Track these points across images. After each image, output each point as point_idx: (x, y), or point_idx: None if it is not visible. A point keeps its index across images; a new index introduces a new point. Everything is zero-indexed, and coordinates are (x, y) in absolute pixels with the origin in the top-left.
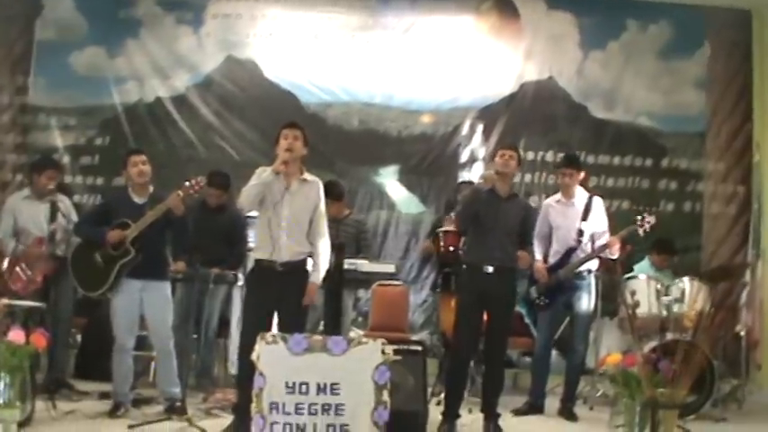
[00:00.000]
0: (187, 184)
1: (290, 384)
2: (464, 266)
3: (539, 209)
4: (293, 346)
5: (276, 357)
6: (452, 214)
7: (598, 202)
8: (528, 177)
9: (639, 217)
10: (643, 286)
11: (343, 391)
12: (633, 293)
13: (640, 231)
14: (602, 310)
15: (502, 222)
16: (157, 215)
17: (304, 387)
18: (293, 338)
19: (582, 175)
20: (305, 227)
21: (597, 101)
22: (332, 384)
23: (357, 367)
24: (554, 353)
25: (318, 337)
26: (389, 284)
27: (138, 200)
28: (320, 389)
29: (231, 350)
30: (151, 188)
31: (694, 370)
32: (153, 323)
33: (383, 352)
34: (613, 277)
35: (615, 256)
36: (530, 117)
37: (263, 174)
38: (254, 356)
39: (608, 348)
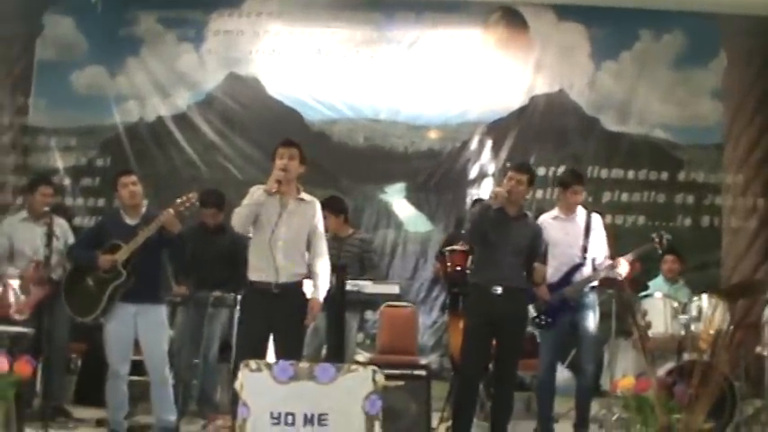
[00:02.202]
0: (179, 200)
1: (276, 415)
2: (472, 287)
3: None
4: (278, 373)
5: (260, 386)
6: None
7: (597, 220)
8: (540, 193)
9: (655, 234)
10: (659, 305)
11: (332, 422)
12: (645, 314)
13: (658, 250)
14: (617, 330)
15: (511, 242)
16: (149, 234)
17: (290, 418)
18: (278, 366)
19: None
20: (302, 248)
21: (610, 113)
22: (320, 415)
23: (346, 397)
24: (569, 375)
25: (305, 365)
26: (398, 306)
27: (130, 221)
28: (307, 420)
29: None
30: (144, 208)
31: (712, 393)
32: (147, 348)
33: (374, 380)
34: (625, 296)
35: (622, 276)
36: (540, 131)
37: (256, 193)
38: (236, 385)
39: (624, 370)
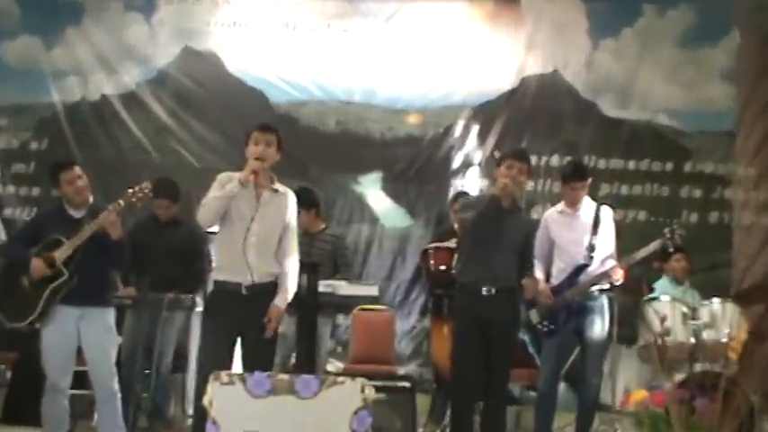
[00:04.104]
0: (130, 191)
1: None
2: (459, 288)
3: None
4: (254, 387)
5: (233, 402)
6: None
7: (607, 213)
8: (530, 185)
9: (668, 229)
10: (667, 309)
11: None
12: (664, 319)
13: (670, 246)
14: (619, 336)
15: (506, 238)
16: (95, 229)
17: None
18: (253, 378)
19: (589, 181)
20: (275, 244)
21: (609, 97)
22: None
23: (332, 413)
24: (563, 387)
25: (285, 377)
26: (373, 309)
27: (75, 213)
28: None
29: (190, 386)
30: (91, 198)
31: (739, 409)
32: (92, 358)
33: (363, 393)
34: (636, 298)
35: (618, 283)
36: (532, 116)
37: (227, 183)
38: (205, 401)
39: (626, 381)
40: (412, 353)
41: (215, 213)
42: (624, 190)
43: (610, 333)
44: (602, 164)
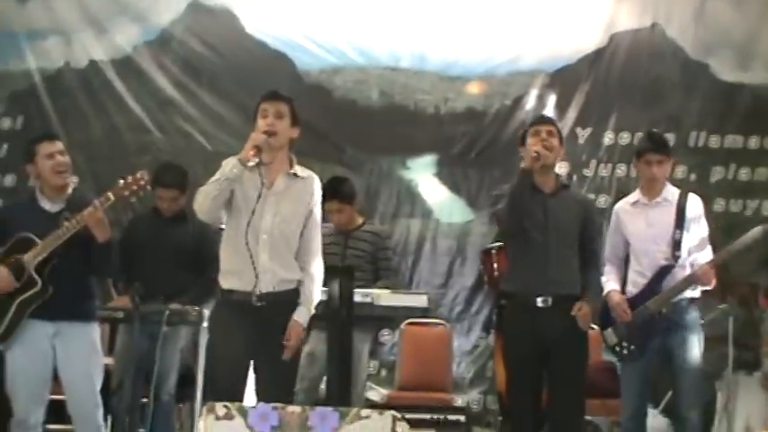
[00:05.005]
0: (121, 182)
1: None
2: (507, 298)
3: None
4: (256, 422)
5: None
6: None
7: (695, 203)
8: (621, 170)
9: None
10: None
11: None
12: None
13: None
14: (737, 360)
15: (553, 228)
16: (74, 231)
17: None
18: (257, 411)
19: (671, 163)
20: (293, 242)
21: (725, 56)
22: None
23: None
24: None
25: (296, 409)
26: (425, 324)
27: (49, 206)
28: None
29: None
30: (71, 188)
31: None
32: (71, 385)
33: (394, 429)
34: (753, 312)
35: (709, 287)
36: (624, 83)
37: (228, 166)
38: None
39: (747, 416)
40: (474, 377)
41: (213, 202)
42: (744, 174)
43: (724, 356)
44: (714, 141)
